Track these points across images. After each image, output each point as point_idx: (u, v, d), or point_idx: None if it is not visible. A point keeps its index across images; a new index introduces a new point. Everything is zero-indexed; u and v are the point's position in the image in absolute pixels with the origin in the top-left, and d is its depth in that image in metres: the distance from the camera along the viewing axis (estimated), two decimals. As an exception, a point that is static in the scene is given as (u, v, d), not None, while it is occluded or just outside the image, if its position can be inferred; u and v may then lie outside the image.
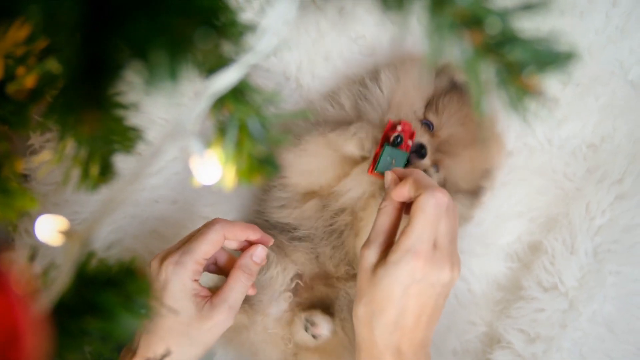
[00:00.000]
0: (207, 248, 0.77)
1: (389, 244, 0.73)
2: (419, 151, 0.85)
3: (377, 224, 0.74)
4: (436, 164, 0.88)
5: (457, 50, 0.32)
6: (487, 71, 0.32)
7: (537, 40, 0.32)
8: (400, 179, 0.75)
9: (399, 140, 0.82)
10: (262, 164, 0.40)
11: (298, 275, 0.93)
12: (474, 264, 1.00)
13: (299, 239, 0.93)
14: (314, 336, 0.87)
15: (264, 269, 0.88)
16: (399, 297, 0.70)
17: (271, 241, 0.83)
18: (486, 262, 1.00)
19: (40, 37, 0.38)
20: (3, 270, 0.28)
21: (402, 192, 0.73)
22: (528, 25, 0.32)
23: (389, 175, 0.77)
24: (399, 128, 0.83)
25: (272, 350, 0.93)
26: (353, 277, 0.91)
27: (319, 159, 0.89)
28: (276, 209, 0.94)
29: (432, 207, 0.68)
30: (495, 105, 0.33)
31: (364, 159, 0.86)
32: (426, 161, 0.86)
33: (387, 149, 0.82)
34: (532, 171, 0.99)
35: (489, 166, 0.93)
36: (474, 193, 0.93)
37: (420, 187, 0.70)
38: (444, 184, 0.90)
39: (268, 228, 0.93)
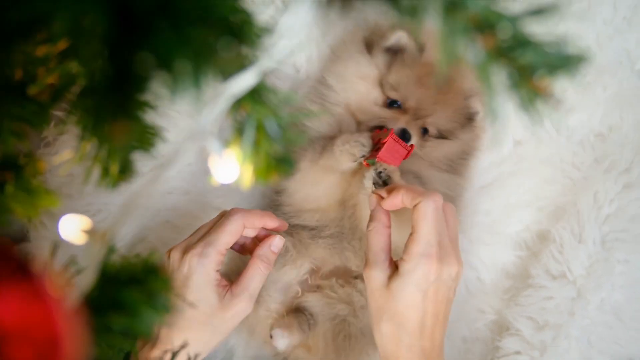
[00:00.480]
0: (228, 239, 0.79)
1: (389, 260, 0.77)
2: (404, 136, 0.87)
3: (373, 245, 0.77)
4: (424, 128, 0.90)
5: (470, 54, 0.33)
6: (499, 74, 0.33)
7: (547, 44, 0.32)
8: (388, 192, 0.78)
9: (380, 172, 0.82)
10: (278, 163, 0.41)
11: (312, 271, 0.94)
12: (483, 252, 1.01)
13: (323, 236, 0.94)
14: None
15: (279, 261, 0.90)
16: (421, 302, 0.73)
17: (286, 225, 0.86)
18: (495, 251, 1.01)
19: (61, 40, 0.39)
20: (36, 273, 0.29)
21: (395, 202, 0.77)
22: (539, 30, 0.33)
23: (373, 197, 0.80)
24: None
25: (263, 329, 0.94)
26: None
27: (321, 186, 0.91)
28: (296, 213, 0.95)
29: (433, 212, 0.73)
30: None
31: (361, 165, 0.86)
32: (414, 140, 0.89)
33: (374, 164, 0.82)
34: (540, 161, 1.00)
35: (466, 90, 0.92)
36: (468, 120, 0.94)
37: (416, 196, 0.74)
38: (439, 135, 0.91)
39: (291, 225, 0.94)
